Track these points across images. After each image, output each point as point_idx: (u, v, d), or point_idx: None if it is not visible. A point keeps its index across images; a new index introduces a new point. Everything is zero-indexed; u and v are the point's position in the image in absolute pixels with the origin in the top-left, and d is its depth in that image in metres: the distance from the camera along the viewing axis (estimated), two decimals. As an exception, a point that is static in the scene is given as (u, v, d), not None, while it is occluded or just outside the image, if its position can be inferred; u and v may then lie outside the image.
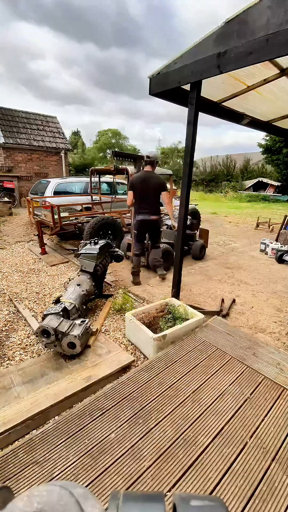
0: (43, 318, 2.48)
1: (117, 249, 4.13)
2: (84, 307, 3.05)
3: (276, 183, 21.01)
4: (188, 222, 5.48)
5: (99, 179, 7.38)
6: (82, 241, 3.99)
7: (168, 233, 5.43)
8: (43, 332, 2.34)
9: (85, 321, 2.55)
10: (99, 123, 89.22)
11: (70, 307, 2.67)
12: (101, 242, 3.65)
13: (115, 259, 4.01)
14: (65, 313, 2.58)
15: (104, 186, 8.35)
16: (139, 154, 4.93)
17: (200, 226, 6.69)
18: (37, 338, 2.41)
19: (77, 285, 3.07)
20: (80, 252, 3.46)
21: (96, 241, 3.66)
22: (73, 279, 3.34)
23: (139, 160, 4.41)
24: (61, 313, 2.50)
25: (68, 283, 3.27)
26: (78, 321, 2.53)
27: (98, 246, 3.46)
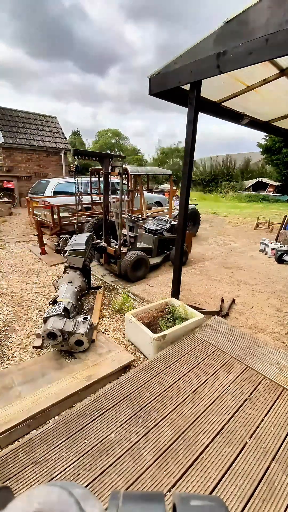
0: (45, 321, 2.48)
1: (99, 241, 4.00)
2: (80, 303, 3.04)
3: (275, 183, 21.00)
4: (168, 226, 5.16)
5: (99, 179, 7.38)
6: (62, 236, 3.80)
7: (147, 237, 5.02)
8: (49, 335, 2.36)
9: (87, 317, 2.60)
10: (62, 112, 78.39)
11: (69, 306, 2.67)
12: (84, 236, 3.52)
13: (98, 250, 3.92)
14: (66, 313, 2.60)
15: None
16: (117, 153, 4.49)
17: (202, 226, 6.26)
18: (43, 340, 2.42)
19: (69, 282, 3.03)
20: (66, 248, 3.36)
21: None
22: (61, 277, 3.29)
23: (106, 159, 4.03)
24: (63, 313, 2.52)
25: (57, 281, 3.21)
26: (80, 319, 2.57)
27: (83, 241, 3.36)
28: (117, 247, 4.12)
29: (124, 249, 4.20)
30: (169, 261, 5.09)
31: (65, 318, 2.49)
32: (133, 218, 5.03)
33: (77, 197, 4.57)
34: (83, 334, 2.39)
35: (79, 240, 3.46)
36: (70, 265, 3.33)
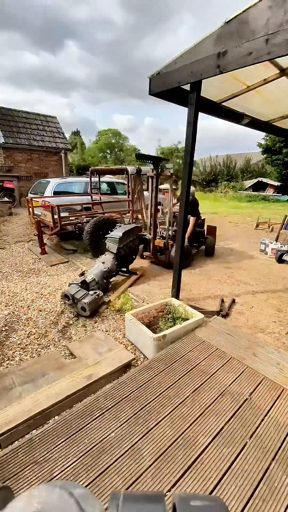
0: (69, 285, 3.26)
1: (146, 233, 4.72)
2: (105, 281, 3.65)
3: (276, 183, 20.99)
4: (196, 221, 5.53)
5: (99, 179, 7.38)
6: (118, 224, 4.49)
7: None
8: (65, 296, 3.20)
9: (96, 292, 3.22)
10: (31, 104, 70.73)
11: (90, 280, 3.38)
12: (128, 227, 4.15)
13: (143, 242, 4.53)
14: (85, 285, 3.29)
15: (104, 186, 8.35)
16: (160, 156, 5.23)
17: (208, 224, 6.36)
18: (61, 298, 3.30)
19: (102, 262, 3.73)
20: (106, 235, 4.06)
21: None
22: (104, 255, 3.97)
23: (157, 162, 4.60)
24: (80, 284, 3.25)
25: (99, 258, 3.94)
26: (91, 292, 3.21)
27: (121, 232, 3.96)
28: (164, 240, 4.68)
29: (171, 242, 4.71)
30: (199, 251, 5.70)
31: (80, 288, 3.16)
32: (175, 214, 5.37)
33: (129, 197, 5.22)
34: (86, 303, 3.03)
35: (118, 230, 4.04)
36: (107, 249, 3.96)
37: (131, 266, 4.52)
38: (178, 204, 5.60)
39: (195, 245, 5.55)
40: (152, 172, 4.55)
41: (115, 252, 3.86)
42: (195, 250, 5.48)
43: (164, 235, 4.83)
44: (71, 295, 3.09)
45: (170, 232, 4.76)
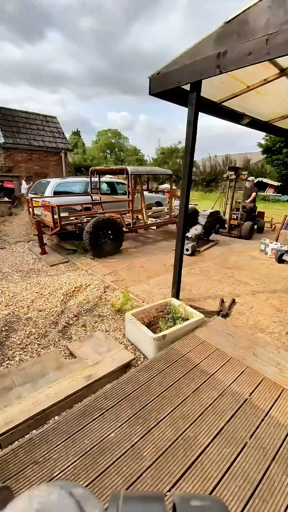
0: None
1: (223, 216, 7.64)
2: (197, 239, 5.98)
3: (276, 183, 20.97)
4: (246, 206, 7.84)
5: (99, 179, 7.37)
6: (206, 210, 6.89)
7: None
8: None
9: (195, 242, 5.73)
10: (19, 101, 70.93)
11: (190, 236, 5.79)
12: (212, 211, 6.72)
13: (219, 222, 7.38)
14: (186, 239, 5.27)
15: (104, 186, 8.34)
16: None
17: (258, 210, 8.73)
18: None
19: (195, 229, 6.09)
20: (198, 212, 6.72)
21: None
22: (196, 225, 6.35)
23: (237, 170, 7.03)
24: (185, 237, 4.12)
25: (193, 227, 6.27)
26: (193, 242, 5.72)
27: (208, 213, 6.53)
28: (237, 220, 7.22)
29: (241, 221, 7.22)
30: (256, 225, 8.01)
31: (185, 239, 4.30)
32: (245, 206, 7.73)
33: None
34: (190, 246, 5.51)
35: (206, 211, 6.60)
36: (198, 221, 6.38)
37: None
38: (248, 200, 7.90)
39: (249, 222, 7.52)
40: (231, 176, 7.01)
41: (203, 224, 6.29)
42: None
43: (235, 217, 7.25)
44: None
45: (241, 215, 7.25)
